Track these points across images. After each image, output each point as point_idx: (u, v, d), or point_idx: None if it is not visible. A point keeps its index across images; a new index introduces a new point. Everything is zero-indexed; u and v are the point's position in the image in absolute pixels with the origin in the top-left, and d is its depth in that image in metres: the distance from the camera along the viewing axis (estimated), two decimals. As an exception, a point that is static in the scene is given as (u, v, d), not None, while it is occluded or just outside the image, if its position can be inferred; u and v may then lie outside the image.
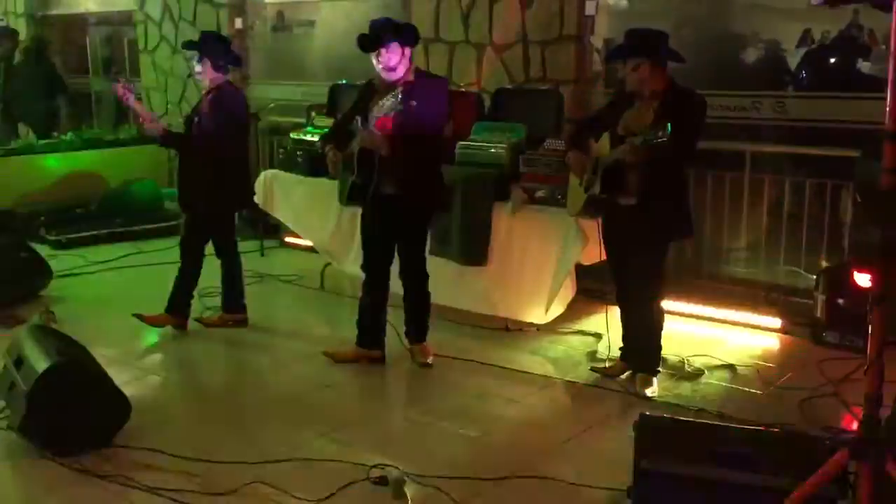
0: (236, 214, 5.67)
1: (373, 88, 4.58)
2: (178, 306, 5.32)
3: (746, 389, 4.48)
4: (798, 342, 5.14)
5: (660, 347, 4.44)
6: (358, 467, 3.56)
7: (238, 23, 8.44)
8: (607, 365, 4.68)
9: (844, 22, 5.36)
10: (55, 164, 8.19)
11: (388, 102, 4.31)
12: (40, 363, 3.76)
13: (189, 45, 5.19)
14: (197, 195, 5.16)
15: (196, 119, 5.14)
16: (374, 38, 4.39)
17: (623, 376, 4.55)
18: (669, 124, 3.77)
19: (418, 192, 4.50)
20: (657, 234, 4.24)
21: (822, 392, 4.35)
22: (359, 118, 4.56)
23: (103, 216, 7.89)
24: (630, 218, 4.20)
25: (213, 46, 5.14)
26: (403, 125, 4.33)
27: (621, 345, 4.63)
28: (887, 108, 2.61)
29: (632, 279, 4.38)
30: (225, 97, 5.08)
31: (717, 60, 5.66)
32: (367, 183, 4.50)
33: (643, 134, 3.92)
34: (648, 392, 4.35)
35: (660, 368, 4.46)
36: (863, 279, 4.63)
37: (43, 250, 6.66)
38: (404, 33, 4.45)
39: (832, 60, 5.50)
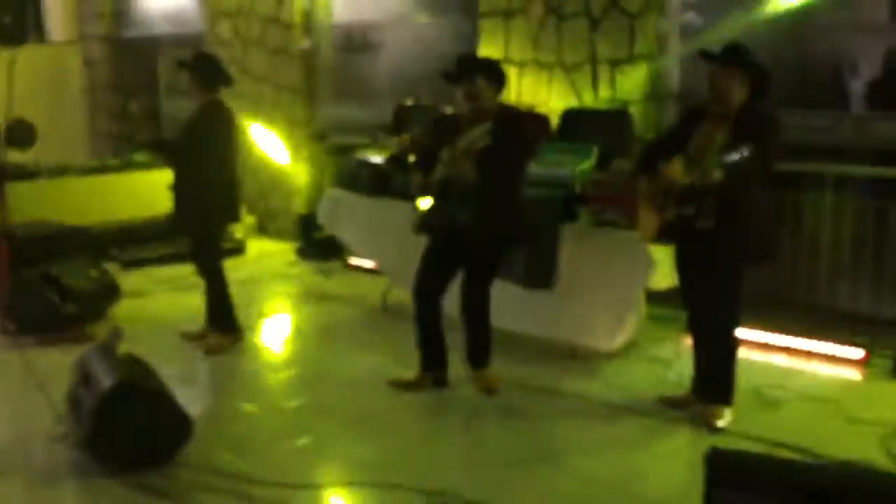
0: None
1: (458, 121, 4.59)
2: (228, 325, 5.42)
3: (825, 423, 4.29)
4: (881, 375, 4.92)
5: (733, 377, 4.27)
6: (418, 493, 3.50)
7: (306, 43, 8.53)
8: (677, 395, 4.53)
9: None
10: (127, 183, 8.36)
11: (475, 135, 4.30)
12: (106, 381, 3.80)
13: (181, 63, 5.38)
14: (189, 212, 5.27)
15: (184, 132, 5.29)
16: (459, 70, 4.45)
17: (693, 407, 4.40)
18: (749, 145, 3.64)
19: (495, 225, 4.46)
20: (734, 258, 4.09)
21: (906, 428, 4.15)
22: (444, 149, 4.54)
23: (172, 235, 8.00)
24: (706, 242, 4.05)
25: (202, 65, 5.31)
26: (487, 158, 4.30)
27: (692, 374, 4.48)
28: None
29: (707, 306, 4.23)
30: (211, 112, 5.23)
31: (796, 78, 5.50)
32: (443, 211, 4.48)
33: (720, 155, 3.80)
34: (720, 423, 4.19)
35: (733, 399, 4.29)
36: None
37: (112, 269, 6.78)
38: (489, 69, 4.49)
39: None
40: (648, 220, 4.32)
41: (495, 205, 4.44)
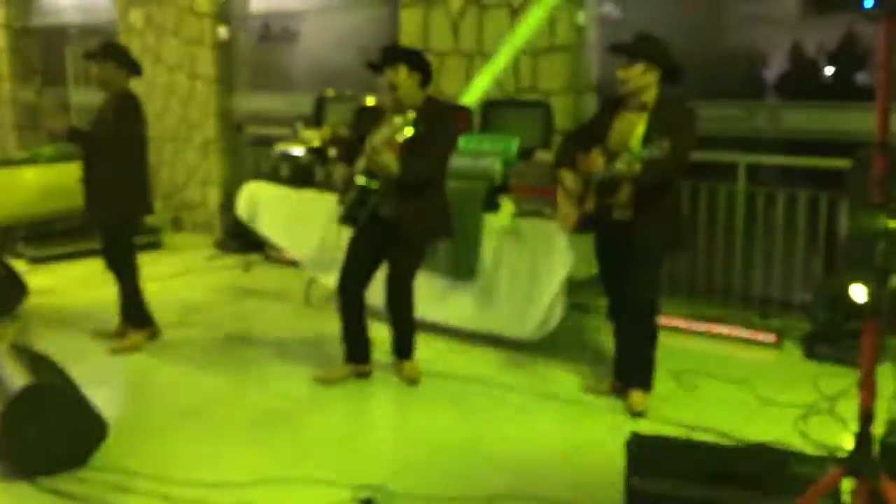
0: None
1: (381, 112, 4.56)
2: (141, 320, 5.29)
3: (741, 406, 4.40)
4: (793, 357, 5.08)
5: (653, 363, 4.35)
6: (344, 487, 3.47)
7: (222, 32, 8.36)
8: (599, 381, 4.59)
9: (839, 32, 5.35)
10: (34, 177, 8.05)
11: (397, 125, 4.27)
12: (15, 382, 3.67)
13: (91, 55, 5.20)
14: (101, 205, 5.12)
15: (101, 122, 5.13)
16: (382, 59, 4.43)
17: (615, 393, 4.46)
18: (668, 140, 3.71)
19: (418, 217, 4.45)
20: (652, 247, 4.16)
21: (816, 409, 4.28)
22: (367, 139, 4.49)
23: (83, 231, 7.75)
24: (624, 232, 4.12)
25: (118, 55, 5.18)
26: (410, 150, 4.28)
27: (614, 361, 4.55)
28: (877, 119, 2.58)
29: (626, 294, 4.29)
30: (127, 104, 5.09)
31: (710, 71, 5.63)
32: (365, 203, 4.44)
33: (638, 149, 3.86)
34: (640, 408, 4.27)
35: (652, 384, 4.37)
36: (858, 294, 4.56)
37: (19, 266, 6.54)
38: (413, 60, 4.46)
39: (829, 70, 5.48)
40: (568, 210, 4.37)
41: (419, 197, 4.42)
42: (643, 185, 3.98)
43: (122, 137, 5.01)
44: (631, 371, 4.38)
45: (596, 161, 4.16)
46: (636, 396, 4.31)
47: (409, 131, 4.25)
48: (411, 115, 4.29)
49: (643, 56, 4.03)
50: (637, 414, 4.24)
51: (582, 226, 4.35)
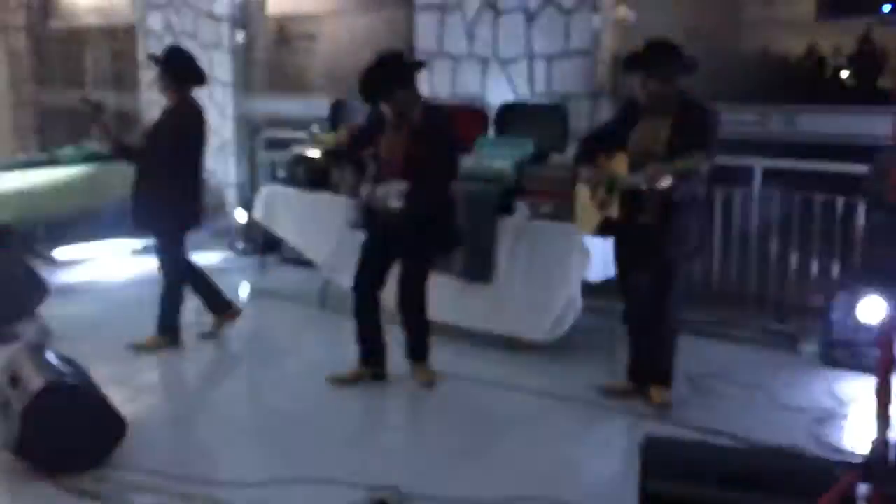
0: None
1: (382, 119, 4.54)
2: (171, 329, 5.26)
3: (756, 410, 4.39)
4: (809, 361, 5.06)
5: (673, 359, 4.33)
6: (358, 488, 3.49)
7: (240, 36, 8.42)
8: (614, 384, 4.59)
9: (855, 37, 5.33)
10: (55, 178, 8.12)
11: (396, 141, 4.27)
12: (35, 382, 3.69)
13: (153, 59, 5.12)
14: (151, 212, 5.06)
15: (151, 133, 5.09)
16: (378, 89, 4.35)
17: (630, 395, 4.46)
18: (695, 150, 3.72)
19: (425, 227, 4.45)
20: (675, 254, 4.14)
21: (832, 413, 4.27)
22: (371, 151, 4.51)
23: (103, 231, 7.81)
24: (647, 236, 4.11)
25: (176, 62, 5.08)
26: (411, 166, 4.30)
27: (628, 363, 4.55)
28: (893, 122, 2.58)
29: (648, 295, 4.27)
30: (181, 113, 5.02)
31: (726, 74, 5.61)
32: (377, 213, 4.48)
33: (668, 157, 3.86)
34: (662, 400, 4.26)
35: (671, 381, 4.35)
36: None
37: (41, 266, 6.60)
38: (399, 75, 4.37)
39: (845, 75, 5.45)
40: (588, 214, 4.36)
41: (426, 208, 4.42)
42: (670, 192, 3.95)
43: (165, 155, 4.93)
44: (652, 367, 4.36)
45: (620, 165, 4.13)
46: (656, 390, 4.30)
47: (399, 203, 4.30)
48: (406, 130, 4.33)
49: (660, 72, 4.02)
50: (660, 406, 4.23)
51: (604, 229, 4.35)
